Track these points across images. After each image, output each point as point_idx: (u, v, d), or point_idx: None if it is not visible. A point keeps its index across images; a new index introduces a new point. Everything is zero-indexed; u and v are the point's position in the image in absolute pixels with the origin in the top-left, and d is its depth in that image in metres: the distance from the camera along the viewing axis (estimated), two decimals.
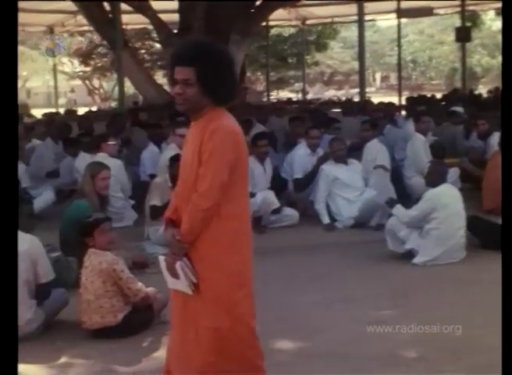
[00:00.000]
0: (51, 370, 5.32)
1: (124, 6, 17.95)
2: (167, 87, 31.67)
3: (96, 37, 35.16)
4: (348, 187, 9.98)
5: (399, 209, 8.13)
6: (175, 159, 9.37)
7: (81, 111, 25.44)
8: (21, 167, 10.23)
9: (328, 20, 31.32)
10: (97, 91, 49.79)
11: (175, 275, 3.99)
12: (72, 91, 60.42)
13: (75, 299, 6.35)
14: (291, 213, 10.11)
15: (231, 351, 4.03)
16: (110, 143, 10.64)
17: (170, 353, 4.28)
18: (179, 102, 4.00)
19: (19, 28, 26.81)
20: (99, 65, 40.31)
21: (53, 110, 25.95)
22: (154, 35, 32.63)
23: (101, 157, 9.90)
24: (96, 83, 49.15)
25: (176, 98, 4.00)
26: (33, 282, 5.91)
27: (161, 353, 5.57)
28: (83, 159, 10.51)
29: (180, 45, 4.09)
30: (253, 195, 9.72)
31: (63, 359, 5.51)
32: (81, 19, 23.41)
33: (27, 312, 5.85)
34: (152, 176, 10.73)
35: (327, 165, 10.08)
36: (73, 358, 5.53)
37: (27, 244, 5.77)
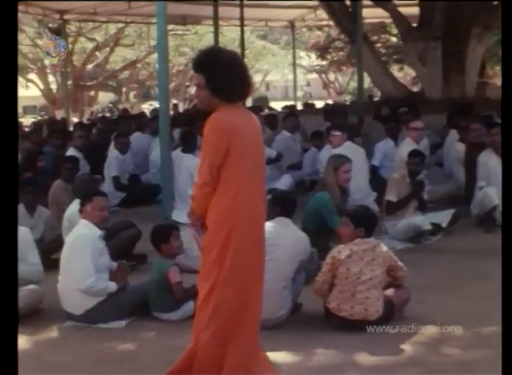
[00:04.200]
0: (295, 358, 5.46)
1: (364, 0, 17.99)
2: (403, 81, 31.57)
3: (333, 31, 35.49)
4: None
5: None
6: (413, 155, 9.30)
7: (317, 104, 25.77)
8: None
9: None
10: (332, 85, 50.32)
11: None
12: (308, 84, 61.47)
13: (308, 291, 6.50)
14: None
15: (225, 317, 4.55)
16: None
17: None
18: (197, 102, 4.98)
19: (262, 23, 27.77)
20: (335, 59, 40.66)
21: (291, 103, 26.51)
22: (391, 29, 32.51)
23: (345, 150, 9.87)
24: (331, 76, 49.66)
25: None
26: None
27: (402, 347, 5.57)
28: (328, 152, 10.48)
29: (195, 55, 4.86)
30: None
31: (306, 349, 5.61)
32: (321, 13, 23.72)
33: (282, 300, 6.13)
34: (373, 167, 11.05)
35: None
36: (316, 348, 5.62)
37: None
